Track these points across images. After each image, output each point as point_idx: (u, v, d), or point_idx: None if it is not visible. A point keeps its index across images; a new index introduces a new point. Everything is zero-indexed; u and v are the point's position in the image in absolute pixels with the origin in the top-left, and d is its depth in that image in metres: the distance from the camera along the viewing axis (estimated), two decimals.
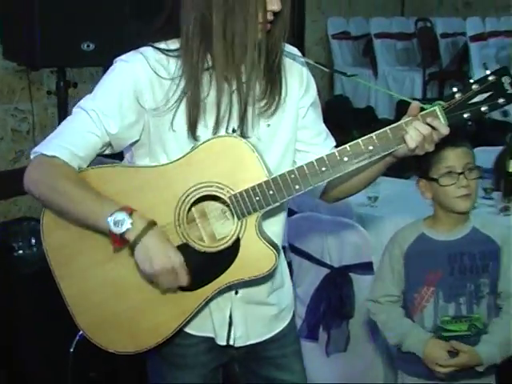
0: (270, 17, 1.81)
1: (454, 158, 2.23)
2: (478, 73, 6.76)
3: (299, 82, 1.98)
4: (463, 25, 7.02)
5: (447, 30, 7.27)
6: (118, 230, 1.69)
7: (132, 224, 1.69)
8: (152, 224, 1.72)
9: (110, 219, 1.69)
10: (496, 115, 6.29)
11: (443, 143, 2.23)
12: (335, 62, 7.07)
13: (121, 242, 1.72)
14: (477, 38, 6.90)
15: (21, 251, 3.51)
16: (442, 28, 7.25)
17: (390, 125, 1.77)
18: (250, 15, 1.77)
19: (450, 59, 7.26)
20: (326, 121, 2.00)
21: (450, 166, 2.21)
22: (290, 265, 3.37)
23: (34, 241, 3.51)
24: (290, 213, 3.45)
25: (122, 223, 1.69)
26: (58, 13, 3.46)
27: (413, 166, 2.50)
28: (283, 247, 3.25)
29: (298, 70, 1.98)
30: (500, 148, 3.72)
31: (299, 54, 1.99)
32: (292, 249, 3.40)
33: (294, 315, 2.19)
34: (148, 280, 1.85)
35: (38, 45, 3.48)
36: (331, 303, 3.16)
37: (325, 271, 3.27)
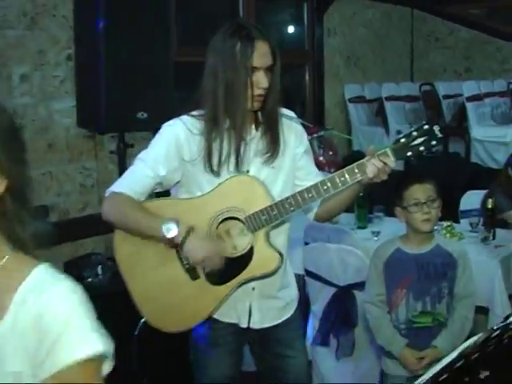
0: (261, 92, 2.21)
1: (419, 191, 2.67)
2: (475, 128, 7.08)
3: (295, 136, 2.40)
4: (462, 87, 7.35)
5: (448, 92, 7.59)
6: (169, 234, 2.14)
7: (178, 229, 2.14)
8: (192, 228, 2.17)
9: (164, 227, 2.14)
10: (492, 164, 6.70)
11: (412, 181, 2.79)
12: (352, 122, 7.32)
13: (172, 243, 2.17)
14: (473, 98, 7.23)
15: (90, 279, 3.86)
16: (444, 90, 7.58)
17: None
18: (240, 89, 2.18)
19: (451, 117, 7.56)
20: None
21: (416, 198, 2.66)
22: (304, 286, 3.81)
23: (99, 271, 3.87)
24: (306, 244, 3.93)
25: (171, 228, 2.14)
26: (118, 90, 3.85)
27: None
28: (300, 275, 3.72)
29: (293, 127, 2.41)
30: None
31: (294, 116, 2.42)
32: (307, 273, 3.76)
33: (297, 308, 2.55)
34: (193, 274, 2.27)
35: (103, 115, 3.90)
36: (339, 315, 3.51)
37: (333, 290, 3.60)
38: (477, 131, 7.04)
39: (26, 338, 1.23)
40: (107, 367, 1.32)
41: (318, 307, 3.72)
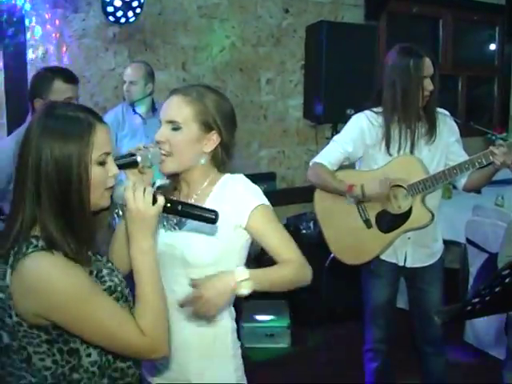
0: (427, 93, 2.69)
1: None
2: None
3: (448, 128, 2.82)
4: None
5: None
6: (349, 193, 2.74)
7: (354, 193, 2.71)
8: (363, 184, 2.67)
9: (348, 194, 2.75)
10: None
11: None
12: None
13: (351, 194, 2.74)
14: None
15: (304, 231, 4.43)
16: None
17: None
18: (415, 93, 2.65)
19: None
20: None
21: None
22: (465, 251, 4.08)
23: (311, 225, 4.39)
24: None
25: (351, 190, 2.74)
26: (333, 92, 4.44)
27: None
28: (461, 243, 4.03)
29: (448, 122, 2.84)
30: None
31: (448, 114, 2.85)
32: (467, 241, 4.06)
33: (440, 257, 2.89)
34: (368, 224, 2.75)
35: (322, 111, 4.55)
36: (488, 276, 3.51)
37: (486, 255, 3.88)
38: None
39: None
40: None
41: (474, 269, 4.00)
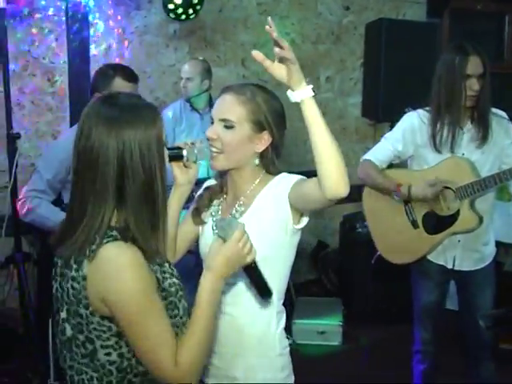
0: (473, 93, 2.59)
1: None
2: None
3: (504, 131, 2.70)
4: None
5: None
6: (395, 193, 2.71)
7: (401, 191, 2.68)
8: (411, 185, 2.64)
9: (395, 193, 2.70)
10: None
11: None
12: None
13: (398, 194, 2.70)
14: None
15: (359, 229, 4.39)
16: None
17: None
18: (458, 91, 2.59)
19: None
20: None
21: None
22: None
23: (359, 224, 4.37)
24: None
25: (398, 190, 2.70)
26: (392, 91, 4.38)
27: None
28: None
29: (504, 124, 2.71)
30: None
31: (506, 116, 2.72)
32: None
33: (492, 262, 2.80)
34: (414, 224, 2.70)
35: (381, 109, 4.49)
36: None
37: None
38: None
39: None
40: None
41: None
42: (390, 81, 4.43)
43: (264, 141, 1.79)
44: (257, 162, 1.81)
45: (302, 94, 1.55)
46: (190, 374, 1.44)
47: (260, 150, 1.80)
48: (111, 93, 1.58)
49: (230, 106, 1.78)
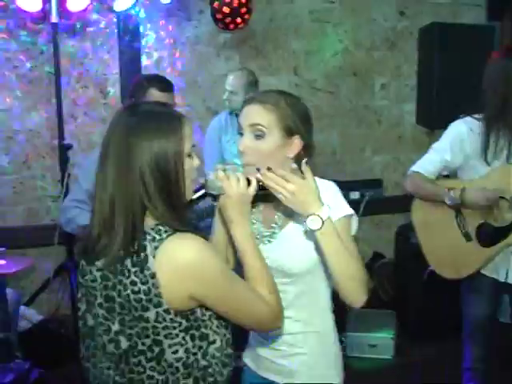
0: None
1: None
2: None
3: None
4: None
5: None
6: (447, 196, 2.59)
7: (453, 194, 2.56)
8: (464, 188, 2.55)
9: (447, 194, 2.58)
10: None
11: None
12: None
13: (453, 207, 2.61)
14: None
15: (414, 240, 3.38)
16: None
17: None
18: None
19: None
20: None
21: None
22: None
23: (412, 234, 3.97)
24: None
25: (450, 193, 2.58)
26: (446, 98, 4.19)
27: None
28: None
29: None
30: None
31: None
32: None
33: None
34: (467, 237, 2.59)
35: (435, 116, 4.31)
36: None
37: None
38: None
39: None
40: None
41: None
42: (445, 87, 4.28)
43: (295, 145, 1.77)
44: (294, 166, 1.76)
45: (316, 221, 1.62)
46: (279, 307, 1.57)
47: (292, 155, 1.78)
48: (136, 102, 1.61)
49: (257, 114, 1.75)
